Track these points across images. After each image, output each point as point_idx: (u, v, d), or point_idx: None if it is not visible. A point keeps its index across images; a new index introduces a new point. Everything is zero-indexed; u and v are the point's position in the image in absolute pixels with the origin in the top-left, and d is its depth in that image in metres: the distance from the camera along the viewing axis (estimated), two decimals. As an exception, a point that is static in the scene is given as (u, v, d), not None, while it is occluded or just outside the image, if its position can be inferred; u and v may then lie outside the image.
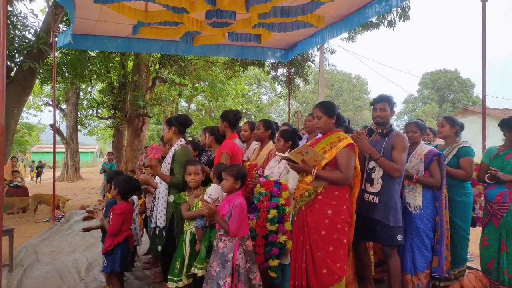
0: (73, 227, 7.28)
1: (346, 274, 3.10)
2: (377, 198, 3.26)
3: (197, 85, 19.94)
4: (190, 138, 11.99)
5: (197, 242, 3.33)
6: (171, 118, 4.01)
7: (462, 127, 4.08)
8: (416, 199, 3.56)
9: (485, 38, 4.56)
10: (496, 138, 3.91)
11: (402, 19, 9.56)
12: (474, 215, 4.10)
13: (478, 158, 3.86)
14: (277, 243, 3.36)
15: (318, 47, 12.83)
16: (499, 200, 3.44)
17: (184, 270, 3.29)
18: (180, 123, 3.89)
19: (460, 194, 3.79)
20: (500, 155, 3.56)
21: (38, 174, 20.31)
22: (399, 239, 3.23)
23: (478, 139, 4.66)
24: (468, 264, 4.10)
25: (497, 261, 3.46)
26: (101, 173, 11.23)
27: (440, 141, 4.36)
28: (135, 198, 4.62)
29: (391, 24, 9.72)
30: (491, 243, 3.52)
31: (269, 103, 34.35)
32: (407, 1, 9.29)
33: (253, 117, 28.42)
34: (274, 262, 3.34)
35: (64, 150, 20.59)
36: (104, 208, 3.69)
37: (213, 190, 3.30)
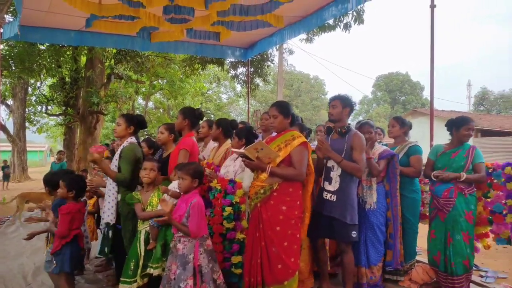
0: (19, 229, 6.88)
1: (299, 268, 3.19)
2: (335, 196, 3.36)
3: (155, 82, 19.47)
4: (146, 136, 11.69)
5: (151, 241, 3.25)
6: (131, 116, 3.85)
7: (410, 127, 4.32)
8: (373, 196, 3.75)
9: (433, 43, 4.79)
10: (443, 138, 4.15)
11: (357, 22, 9.91)
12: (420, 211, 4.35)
13: (426, 156, 4.07)
14: (236, 240, 3.37)
15: (277, 47, 12.98)
16: (446, 195, 3.66)
17: (139, 271, 3.20)
18: (139, 124, 3.78)
19: (410, 190, 4.01)
20: (446, 153, 3.78)
21: (5, 177, 16.63)
22: (354, 236, 3.36)
23: (426, 138, 4.91)
24: (417, 258, 4.32)
25: (444, 253, 3.68)
26: None
27: (388, 140, 4.57)
28: (85, 199, 4.44)
29: (346, 26, 10.04)
30: (438, 236, 3.74)
31: (229, 102, 34.26)
32: (362, 5, 9.62)
33: (212, 116, 28.21)
34: (237, 259, 3.35)
35: (10, 148, 19.39)
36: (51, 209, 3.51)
37: (174, 185, 3.24)
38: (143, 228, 3.30)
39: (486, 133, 22.48)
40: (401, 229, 3.87)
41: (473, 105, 42.80)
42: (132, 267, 3.22)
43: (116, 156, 3.62)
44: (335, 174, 3.38)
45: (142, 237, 3.29)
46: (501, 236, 3.73)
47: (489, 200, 3.82)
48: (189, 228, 2.80)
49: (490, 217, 3.81)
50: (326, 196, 3.40)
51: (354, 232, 3.35)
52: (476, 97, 43.47)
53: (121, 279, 3.23)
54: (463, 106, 39.36)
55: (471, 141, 3.85)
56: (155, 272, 3.08)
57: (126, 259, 3.30)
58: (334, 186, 3.37)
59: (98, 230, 4.93)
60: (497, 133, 22.24)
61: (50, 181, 3.59)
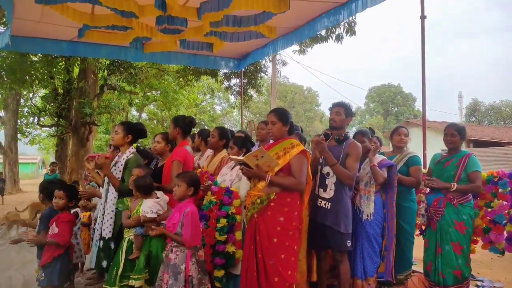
0: (7, 243, 6.73)
1: (297, 281, 3.10)
2: (329, 204, 3.31)
3: (148, 93, 19.45)
4: (140, 147, 11.58)
5: (134, 250, 3.18)
6: (129, 124, 3.81)
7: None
8: (370, 207, 3.69)
9: (424, 52, 4.84)
10: (435, 148, 4.17)
11: (349, 33, 10.02)
12: (418, 222, 4.32)
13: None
14: (224, 253, 3.30)
15: (270, 59, 13.06)
16: (435, 205, 3.64)
17: (117, 280, 3.11)
18: (137, 132, 3.74)
19: (407, 199, 4.00)
20: (441, 162, 3.76)
21: (0, 191, 15.58)
22: (348, 245, 3.31)
23: (419, 148, 4.93)
24: (413, 268, 4.29)
25: (434, 263, 3.64)
26: None
27: (385, 149, 4.57)
28: (78, 210, 4.37)
29: (338, 38, 10.15)
30: (430, 246, 3.71)
31: (223, 113, 34.29)
32: (353, 17, 9.74)
33: (206, 127, 28.20)
34: (219, 273, 3.28)
35: (1, 160, 19.16)
36: (39, 221, 3.44)
37: (149, 205, 3.18)
38: (127, 236, 3.24)
39: (477, 143, 22.68)
40: (396, 240, 3.83)
41: (464, 116, 43.26)
42: (113, 275, 3.16)
43: (120, 167, 3.55)
44: (330, 181, 3.35)
45: (125, 245, 3.23)
46: (496, 245, 3.70)
47: (489, 210, 3.75)
48: (183, 237, 2.76)
49: (485, 227, 3.75)
50: (320, 203, 3.36)
51: (348, 241, 3.31)
52: (467, 108, 43.96)
53: (103, 285, 3.17)
54: (455, 117, 39.69)
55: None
56: (137, 284, 3.00)
57: (110, 266, 3.24)
58: (329, 193, 3.34)
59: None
60: (489, 144, 22.46)
61: (46, 189, 3.55)
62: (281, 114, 3.18)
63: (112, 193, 3.50)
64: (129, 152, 3.60)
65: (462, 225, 3.53)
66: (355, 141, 3.45)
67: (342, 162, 3.33)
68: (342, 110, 3.46)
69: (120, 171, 3.53)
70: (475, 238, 3.82)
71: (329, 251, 3.65)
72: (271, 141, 3.33)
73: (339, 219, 3.27)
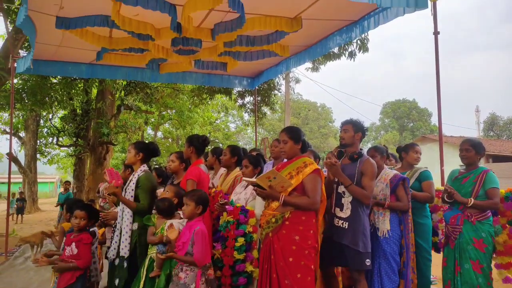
0: (27, 261, 6.83)
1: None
2: (347, 223, 3.26)
3: (164, 112, 19.74)
4: (155, 166, 11.72)
5: (154, 268, 3.18)
6: (141, 143, 3.89)
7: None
8: (385, 223, 3.62)
9: (439, 69, 4.82)
10: (453, 164, 4.09)
11: (361, 50, 10.06)
12: (438, 241, 4.21)
13: (436, 182, 4.02)
14: (244, 272, 3.28)
15: (283, 76, 13.17)
16: (453, 222, 3.54)
17: None
18: (149, 151, 3.80)
19: (422, 216, 3.93)
20: (458, 178, 3.68)
21: (19, 210, 15.20)
22: (367, 264, 3.24)
23: (437, 164, 4.86)
24: (432, 287, 4.16)
25: (453, 281, 3.53)
26: (56, 206, 10.49)
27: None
28: (95, 229, 4.41)
29: (351, 55, 10.21)
30: (448, 264, 3.61)
31: (237, 131, 34.46)
32: (366, 34, 9.79)
33: (220, 145, 28.34)
34: (241, 293, 3.25)
35: (21, 180, 19.55)
36: (65, 238, 3.49)
37: (174, 225, 3.21)
38: (151, 253, 3.26)
39: (497, 158, 22.17)
40: (415, 258, 3.75)
41: (482, 130, 42.46)
42: None
43: (132, 185, 3.61)
44: (347, 200, 3.31)
45: (147, 263, 3.24)
46: None
47: None
48: (194, 256, 2.76)
49: None
50: (337, 223, 3.31)
51: (368, 260, 3.24)
52: (485, 122, 43.18)
53: None
54: (473, 132, 39.02)
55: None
56: None
57: (132, 283, 3.24)
58: (345, 212, 3.29)
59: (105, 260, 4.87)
60: (508, 158, 21.91)
61: (71, 208, 3.63)
62: (292, 133, 3.17)
63: (128, 212, 3.54)
64: (140, 171, 3.66)
65: (481, 242, 3.43)
66: (369, 158, 3.42)
67: (357, 180, 3.30)
68: (350, 127, 3.45)
69: (132, 189, 3.58)
70: (510, 261, 3.67)
71: (338, 269, 3.58)
72: (285, 160, 3.34)
73: (357, 238, 3.22)
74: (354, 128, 3.43)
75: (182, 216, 3.28)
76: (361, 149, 3.49)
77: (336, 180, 3.42)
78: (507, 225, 3.68)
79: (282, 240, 2.94)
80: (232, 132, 32.96)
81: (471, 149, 3.59)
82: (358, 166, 3.35)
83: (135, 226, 3.50)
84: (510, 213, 3.65)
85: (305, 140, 3.25)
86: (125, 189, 3.65)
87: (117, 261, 3.57)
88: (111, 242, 4.02)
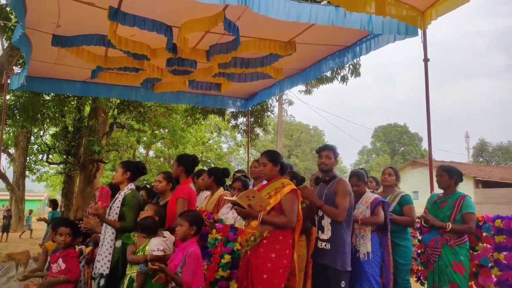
0: (10, 281, 6.63)
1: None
2: (328, 244, 3.35)
3: (156, 132, 19.72)
4: (146, 185, 11.58)
5: None
6: (128, 162, 3.92)
7: (400, 181, 4.45)
8: (367, 245, 3.69)
9: (428, 95, 4.90)
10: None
11: (353, 75, 10.26)
12: (413, 267, 4.31)
13: (423, 206, 4.06)
14: (228, 289, 3.26)
15: (277, 98, 13.31)
16: (432, 245, 3.63)
17: None
18: (136, 169, 3.79)
19: (403, 238, 4.05)
20: (437, 202, 3.78)
21: (5, 229, 14.89)
22: (343, 286, 3.26)
23: (427, 189, 4.89)
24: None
25: None
26: (38, 220, 10.25)
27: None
28: (83, 247, 4.33)
29: (344, 79, 10.40)
30: (429, 287, 3.62)
31: (229, 151, 34.46)
32: (358, 59, 10.00)
33: (212, 165, 28.27)
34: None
35: (8, 197, 19.21)
36: (49, 257, 3.43)
37: (156, 243, 3.15)
38: (130, 273, 3.18)
39: (486, 184, 22.38)
40: (394, 278, 3.81)
41: (472, 156, 43.00)
42: None
43: (118, 203, 3.57)
44: (326, 222, 3.40)
45: (126, 282, 3.15)
46: None
47: (475, 253, 3.70)
48: (183, 277, 2.71)
49: (475, 271, 3.67)
50: (320, 245, 3.40)
51: (343, 282, 3.27)
52: (475, 148, 43.80)
53: None
54: (463, 157, 39.56)
55: (471, 193, 3.81)
56: None
57: None
58: (326, 234, 3.38)
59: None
60: (498, 184, 22.14)
61: (56, 226, 3.60)
62: (271, 156, 3.34)
63: (110, 229, 3.50)
64: (127, 189, 3.65)
65: (460, 266, 3.49)
66: (341, 178, 3.55)
67: (328, 198, 3.42)
68: (331, 154, 3.58)
69: (118, 207, 3.55)
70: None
71: None
72: (264, 182, 3.47)
73: (335, 257, 3.29)
74: (334, 155, 3.59)
75: (165, 235, 3.24)
76: (335, 172, 3.61)
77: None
78: (470, 251, 3.74)
79: (259, 258, 3.05)
80: (224, 152, 32.94)
81: (444, 174, 3.72)
82: (329, 186, 3.48)
83: (119, 243, 3.45)
84: (474, 238, 3.71)
85: (283, 162, 3.39)
86: (111, 207, 3.62)
87: (102, 282, 3.49)
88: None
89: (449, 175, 3.70)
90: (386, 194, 4.24)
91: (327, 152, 3.57)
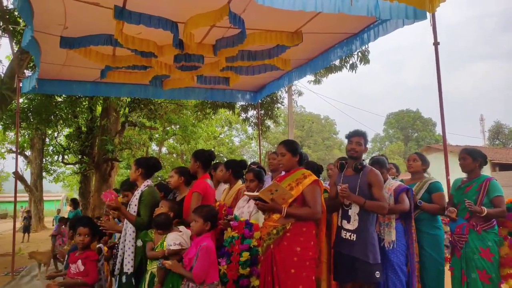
0: (33, 281, 6.79)
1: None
2: (355, 235, 3.24)
3: (168, 128, 19.84)
4: (160, 181, 11.67)
5: (156, 283, 3.15)
6: (140, 159, 3.94)
7: (428, 166, 4.24)
8: (391, 234, 3.61)
9: (440, 79, 4.81)
10: (459, 173, 4.04)
11: (362, 62, 10.12)
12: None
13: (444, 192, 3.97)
14: (251, 287, 3.25)
15: (286, 89, 13.24)
16: (458, 232, 3.52)
17: None
18: (148, 166, 3.82)
19: (432, 227, 3.88)
20: (461, 187, 3.67)
21: (26, 229, 15.29)
22: (377, 276, 3.20)
23: (443, 174, 4.82)
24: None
25: None
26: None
27: (404, 177, 4.49)
28: (101, 245, 4.40)
29: (353, 67, 10.27)
30: (455, 274, 3.56)
31: (241, 145, 34.49)
32: (366, 46, 9.86)
33: (225, 159, 28.35)
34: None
35: (27, 198, 19.62)
36: (67, 256, 3.49)
37: (172, 238, 3.18)
38: (151, 268, 3.23)
39: (503, 167, 21.96)
40: (426, 270, 3.72)
41: (488, 139, 42.19)
42: None
43: (135, 201, 3.62)
44: (353, 212, 3.30)
45: (148, 278, 3.21)
46: None
47: None
48: (193, 270, 2.72)
49: None
50: (345, 236, 3.29)
51: (377, 272, 3.20)
52: (490, 131, 42.92)
53: None
54: (478, 141, 38.92)
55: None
56: None
57: None
58: (353, 224, 3.27)
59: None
60: (516, 167, 21.70)
61: (74, 226, 3.63)
62: (290, 145, 3.21)
63: (130, 227, 3.54)
64: (144, 186, 3.68)
65: (488, 252, 3.39)
66: (373, 169, 3.42)
67: (363, 190, 3.30)
68: (362, 140, 3.44)
69: (135, 204, 3.59)
70: (509, 272, 3.60)
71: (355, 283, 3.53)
72: (283, 173, 3.35)
73: (367, 250, 3.19)
74: (365, 141, 3.45)
75: (181, 230, 3.27)
76: (363, 160, 3.49)
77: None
78: (508, 236, 3.63)
79: (284, 252, 2.96)
80: (236, 146, 32.99)
81: (467, 157, 3.61)
82: (361, 177, 3.34)
83: (139, 242, 3.49)
84: (510, 223, 3.60)
85: (302, 152, 3.28)
86: (129, 205, 3.66)
87: (124, 279, 3.54)
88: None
89: (472, 158, 3.59)
90: (414, 181, 4.06)
91: (357, 138, 3.42)
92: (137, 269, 3.47)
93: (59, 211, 17.76)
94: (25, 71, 9.33)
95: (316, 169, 3.88)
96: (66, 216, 10.55)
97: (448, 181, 4.68)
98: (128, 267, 3.46)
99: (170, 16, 4.31)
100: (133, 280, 3.46)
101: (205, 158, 3.86)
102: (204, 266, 2.75)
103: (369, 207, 3.23)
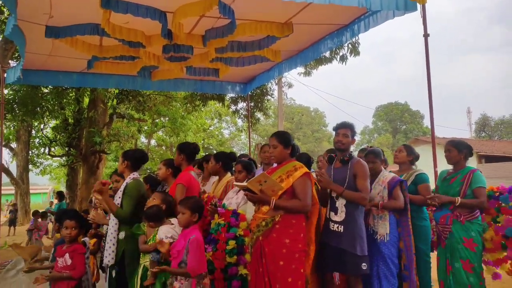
0: (19, 274, 6.70)
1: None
2: (342, 227, 3.25)
3: (157, 120, 19.68)
4: (150, 174, 11.56)
5: (148, 277, 3.14)
6: (128, 151, 3.93)
7: (417, 158, 4.27)
8: (386, 227, 3.62)
9: (429, 71, 4.84)
10: (446, 165, 4.10)
11: (353, 54, 10.14)
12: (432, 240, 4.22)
13: (431, 184, 4.01)
14: (238, 275, 3.26)
15: (276, 81, 13.20)
16: (442, 222, 3.60)
17: None
18: (135, 158, 3.79)
19: (420, 218, 3.92)
20: (447, 179, 3.74)
21: (11, 222, 15.29)
22: (364, 268, 3.22)
23: (430, 166, 4.87)
24: (430, 289, 4.16)
25: (446, 282, 3.55)
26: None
27: (391, 169, 4.53)
28: (86, 239, 4.36)
29: (343, 59, 10.28)
30: (440, 264, 3.65)
31: (231, 137, 34.45)
32: (357, 38, 9.86)
33: (214, 151, 28.29)
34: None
35: (13, 191, 19.34)
36: (53, 249, 3.45)
37: (164, 231, 3.16)
38: (143, 262, 3.22)
39: (489, 159, 22.35)
40: (415, 260, 3.75)
41: (474, 131, 42.83)
42: None
43: (119, 193, 3.59)
44: (340, 203, 3.30)
45: (140, 272, 3.19)
46: None
47: (499, 225, 3.67)
48: (188, 265, 2.73)
49: (503, 242, 3.66)
50: (333, 227, 3.30)
51: (364, 264, 3.22)
52: (476, 123, 43.58)
53: None
54: (465, 133, 39.33)
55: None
56: None
57: None
58: (340, 216, 3.28)
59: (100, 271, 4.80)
60: (501, 159, 22.11)
61: (61, 218, 3.58)
62: (281, 137, 3.19)
63: (113, 220, 3.52)
64: (129, 178, 3.66)
65: (471, 242, 3.46)
66: (360, 160, 3.44)
67: (350, 182, 3.31)
68: (348, 132, 3.44)
69: (119, 197, 3.57)
70: (500, 257, 3.68)
71: (335, 274, 3.56)
72: (274, 164, 3.34)
73: (354, 242, 3.21)
74: (351, 133, 3.45)
75: (173, 222, 3.25)
76: (351, 152, 3.49)
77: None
78: (492, 223, 3.74)
79: (273, 244, 2.96)
80: (226, 138, 32.94)
81: (453, 149, 3.67)
82: (349, 168, 3.35)
83: (122, 235, 3.47)
84: (493, 211, 3.71)
85: (294, 144, 3.26)
86: (115, 196, 3.65)
87: (113, 273, 3.53)
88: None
89: (458, 150, 3.64)
90: (401, 173, 4.10)
91: (344, 130, 3.42)
92: (119, 262, 3.45)
93: (51, 203, 17.60)
94: (9, 61, 9.12)
95: (306, 161, 3.88)
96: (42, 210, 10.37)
97: (435, 172, 4.74)
98: (109, 259, 3.44)
99: (158, 5, 4.23)
100: (113, 273, 3.44)
101: (190, 151, 3.85)
102: (198, 259, 2.76)
103: (348, 197, 3.24)
